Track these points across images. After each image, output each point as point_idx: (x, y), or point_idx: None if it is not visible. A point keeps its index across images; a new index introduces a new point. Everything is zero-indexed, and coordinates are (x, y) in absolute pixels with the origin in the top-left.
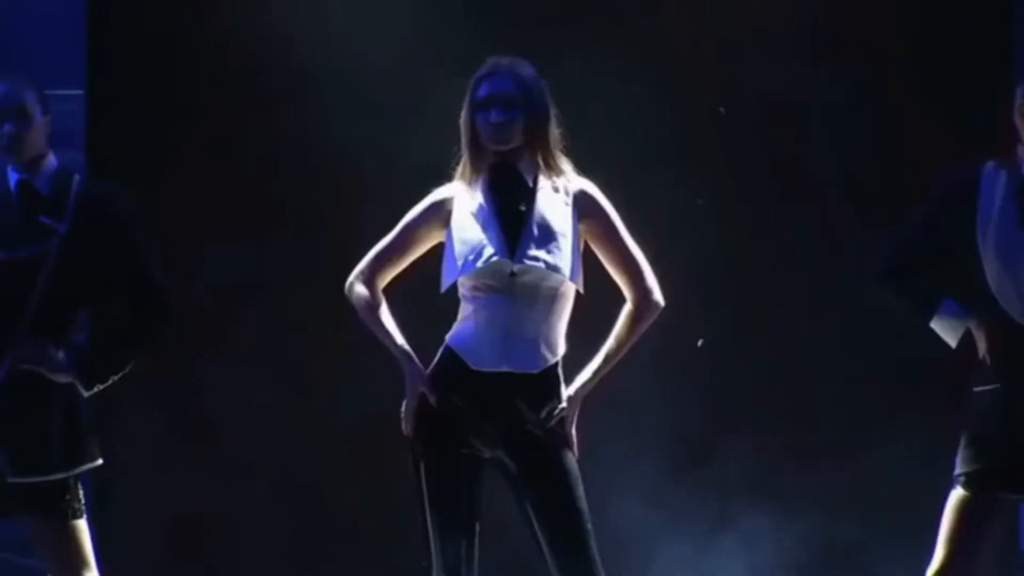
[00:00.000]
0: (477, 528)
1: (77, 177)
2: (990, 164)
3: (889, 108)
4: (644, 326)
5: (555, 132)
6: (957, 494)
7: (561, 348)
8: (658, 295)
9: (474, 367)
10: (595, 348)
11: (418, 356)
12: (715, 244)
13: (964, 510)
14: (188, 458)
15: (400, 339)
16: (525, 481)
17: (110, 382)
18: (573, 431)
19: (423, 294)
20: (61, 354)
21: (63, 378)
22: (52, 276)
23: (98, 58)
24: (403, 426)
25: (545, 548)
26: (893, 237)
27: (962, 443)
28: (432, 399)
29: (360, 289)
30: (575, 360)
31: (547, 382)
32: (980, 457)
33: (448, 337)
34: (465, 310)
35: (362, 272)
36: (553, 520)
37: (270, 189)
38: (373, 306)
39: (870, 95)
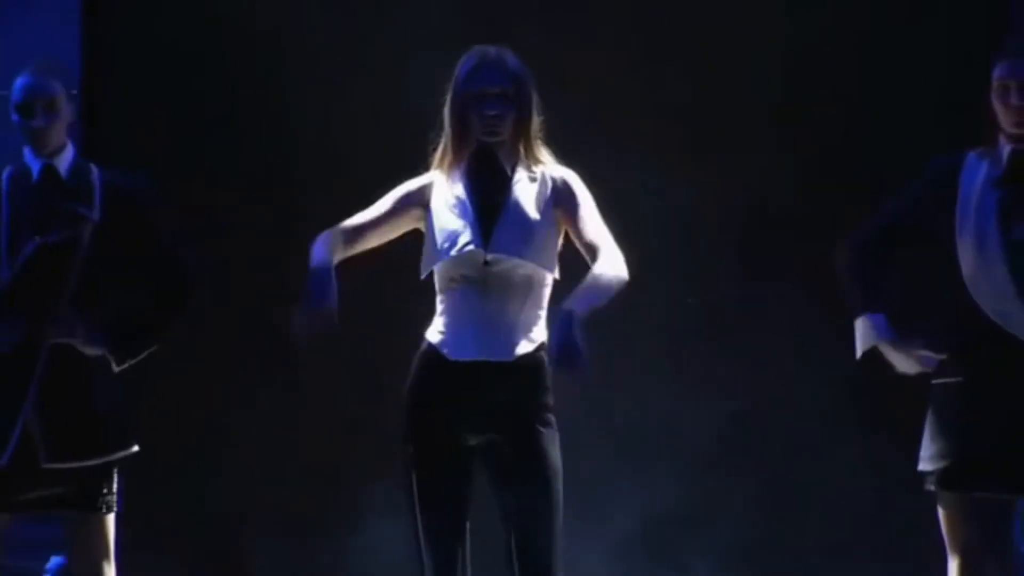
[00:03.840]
0: (467, 525)
1: (93, 166)
2: (973, 153)
3: (887, 104)
4: (622, 288)
5: (537, 121)
6: (939, 498)
7: (540, 336)
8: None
9: (452, 358)
10: (622, 335)
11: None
12: (716, 241)
13: (953, 513)
14: (203, 455)
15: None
16: (503, 470)
17: (141, 357)
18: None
19: (412, 292)
20: (93, 329)
21: (95, 350)
22: (85, 261)
23: (94, 59)
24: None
25: (512, 538)
26: (872, 214)
27: (927, 439)
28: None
29: (322, 236)
30: None
31: (525, 370)
32: (949, 453)
33: (426, 332)
34: (441, 303)
35: (329, 230)
36: (525, 513)
37: (268, 189)
38: (325, 244)
39: (868, 91)
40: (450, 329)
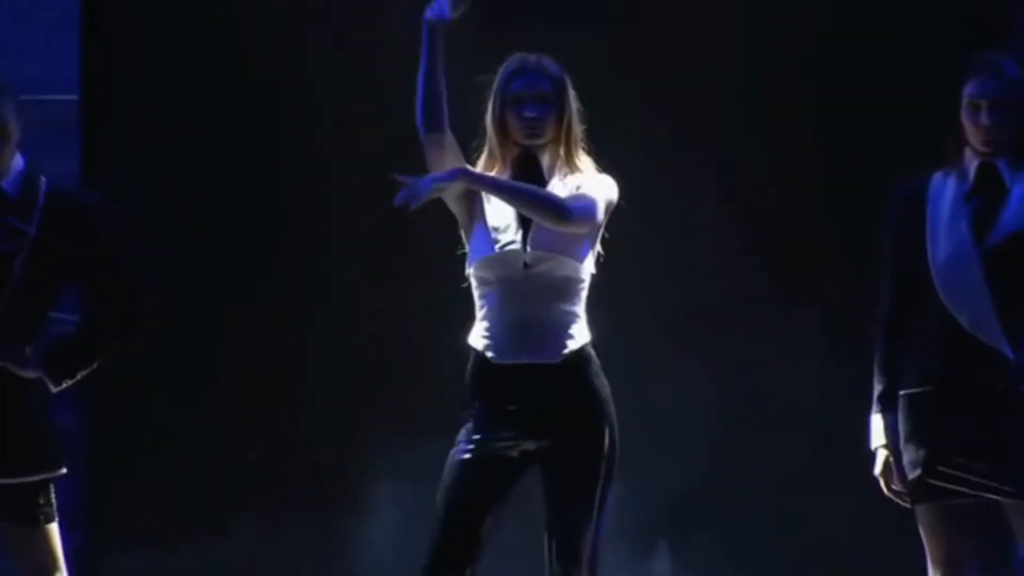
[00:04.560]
0: (484, 528)
1: (44, 179)
2: (938, 174)
3: (887, 104)
4: (546, 212)
5: (578, 128)
6: (916, 510)
7: (582, 334)
8: (579, 217)
9: (496, 362)
10: (618, 334)
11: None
12: (714, 241)
13: (930, 524)
14: (203, 456)
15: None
16: (548, 476)
17: (78, 377)
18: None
19: (412, 295)
20: (29, 350)
21: (31, 373)
22: (22, 276)
23: (92, 64)
24: None
25: (545, 536)
26: (883, 276)
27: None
28: None
29: None
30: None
31: (570, 369)
32: (920, 464)
33: (469, 338)
34: (481, 308)
35: None
36: (562, 511)
37: (269, 189)
38: None
39: (868, 90)
40: (491, 332)
